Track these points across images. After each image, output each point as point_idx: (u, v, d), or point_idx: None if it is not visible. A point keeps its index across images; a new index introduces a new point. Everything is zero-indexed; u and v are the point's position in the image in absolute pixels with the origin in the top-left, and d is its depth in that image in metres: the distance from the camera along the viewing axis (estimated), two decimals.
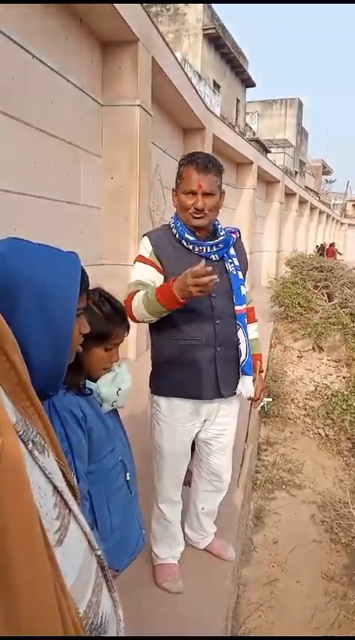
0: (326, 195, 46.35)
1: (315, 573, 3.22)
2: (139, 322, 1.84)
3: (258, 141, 21.06)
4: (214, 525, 2.39)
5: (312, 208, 26.58)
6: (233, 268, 1.95)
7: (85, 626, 0.59)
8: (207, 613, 2.04)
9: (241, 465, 2.26)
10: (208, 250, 1.91)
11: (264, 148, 22.28)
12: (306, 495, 4.27)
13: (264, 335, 7.13)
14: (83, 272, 0.87)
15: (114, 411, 1.46)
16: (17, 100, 3.74)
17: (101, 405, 1.37)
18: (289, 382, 6.75)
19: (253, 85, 22.42)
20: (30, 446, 0.54)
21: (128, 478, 1.45)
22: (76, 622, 0.54)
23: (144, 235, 1.99)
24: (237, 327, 1.95)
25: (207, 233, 1.94)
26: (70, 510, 0.61)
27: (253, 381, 2.03)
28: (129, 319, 1.49)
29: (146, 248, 1.92)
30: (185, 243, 1.90)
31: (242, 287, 1.97)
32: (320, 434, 5.59)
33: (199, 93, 8.44)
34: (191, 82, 7.65)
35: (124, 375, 1.43)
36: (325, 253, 19.52)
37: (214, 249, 1.91)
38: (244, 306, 1.97)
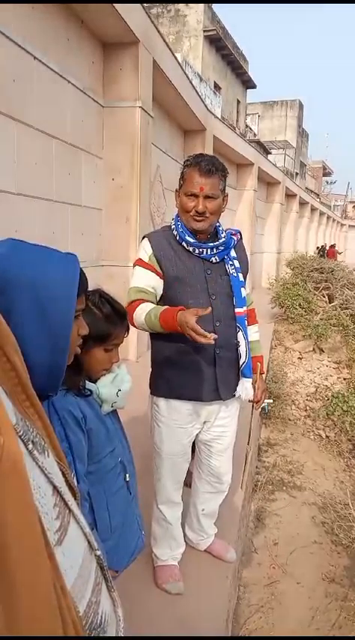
0: (327, 197, 46.35)
1: (316, 575, 3.22)
2: (137, 329, 1.86)
3: (258, 142, 21.08)
4: (215, 527, 2.39)
5: (313, 210, 26.59)
6: (233, 270, 1.95)
7: (84, 626, 0.59)
8: (208, 614, 2.04)
9: (244, 467, 2.25)
10: (209, 252, 1.91)
11: (264, 150, 22.30)
12: (307, 497, 4.26)
13: (264, 336, 7.12)
14: (82, 273, 0.87)
15: (114, 412, 1.46)
16: (18, 102, 3.74)
17: (101, 406, 1.37)
18: (290, 383, 6.74)
19: (254, 86, 22.46)
20: (30, 446, 0.55)
21: (128, 479, 1.45)
22: (76, 621, 0.54)
23: (144, 237, 1.98)
24: (237, 329, 1.94)
25: (207, 235, 1.94)
26: (70, 510, 0.62)
27: (253, 383, 2.03)
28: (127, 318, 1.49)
29: (146, 251, 1.92)
30: (185, 245, 1.90)
31: (242, 289, 1.96)
32: (320, 435, 5.58)
33: (200, 94, 8.45)
34: (191, 84, 7.66)
35: (124, 376, 1.43)
36: (326, 255, 19.52)
37: (215, 251, 1.91)
38: (244, 308, 1.97)
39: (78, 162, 4.92)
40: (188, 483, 2.29)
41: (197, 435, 2.09)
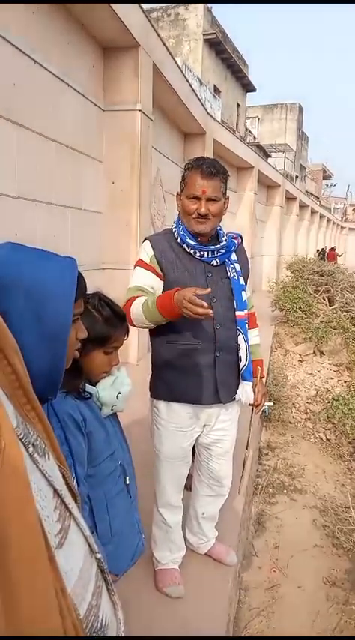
0: (327, 200, 46.41)
1: (317, 578, 3.21)
2: (136, 327, 1.84)
3: (258, 145, 21.12)
4: (215, 530, 2.38)
5: (313, 212, 26.62)
6: (234, 273, 1.95)
7: (84, 629, 0.59)
8: (208, 618, 2.04)
9: (242, 473, 2.24)
10: (209, 255, 1.91)
11: (264, 153, 22.34)
12: (307, 500, 4.25)
13: (264, 339, 7.12)
14: (80, 277, 0.87)
15: (114, 415, 1.46)
16: (18, 105, 3.76)
17: (100, 409, 1.37)
18: (290, 386, 6.74)
19: (254, 89, 22.51)
20: (30, 449, 0.55)
21: (127, 482, 1.45)
22: (76, 624, 0.55)
23: (145, 239, 1.99)
24: (238, 332, 1.94)
25: (209, 238, 1.94)
26: (71, 513, 0.62)
27: (253, 386, 2.02)
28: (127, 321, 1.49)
29: (147, 252, 1.92)
30: (186, 248, 1.90)
31: (243, 292, 1.97)
32: (321, 438, 5.57)
33: (200, 98, 8.47)
34: (191, 87, 7.69)
35: (124, 379, 1.44)
36: (326, 257, 19.54)
37: (216, 254, 1.91)
38: (245, 311, 1.97)
39: (78, 165, 4.93)
40: (188, 486, 2.29)
41: (197, 438, 2.09)
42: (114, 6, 4.44)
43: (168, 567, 2.18)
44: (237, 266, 1.99)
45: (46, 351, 0.76)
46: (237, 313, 1.94)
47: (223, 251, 1.93)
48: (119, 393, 1.39)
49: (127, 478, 1.44)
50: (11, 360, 0.56)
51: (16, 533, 0.45)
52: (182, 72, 7.18)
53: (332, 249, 23.56)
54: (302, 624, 2.78)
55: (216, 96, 16.97)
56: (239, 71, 20.32)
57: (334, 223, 40.11)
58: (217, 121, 10.16)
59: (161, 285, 1.89)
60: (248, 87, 22.26)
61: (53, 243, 4.42)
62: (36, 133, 4.05)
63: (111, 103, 5.40)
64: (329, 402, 5.98)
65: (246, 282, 2.01)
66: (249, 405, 2.07)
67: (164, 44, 6.11)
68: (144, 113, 5.47)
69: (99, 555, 0.69)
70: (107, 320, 1.35)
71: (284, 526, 3.79)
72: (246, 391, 1.99)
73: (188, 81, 7.51)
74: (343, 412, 5.48)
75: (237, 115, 21.47)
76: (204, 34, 17.02)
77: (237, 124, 21.03)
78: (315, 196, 34.77)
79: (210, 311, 1.58)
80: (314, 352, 8.30)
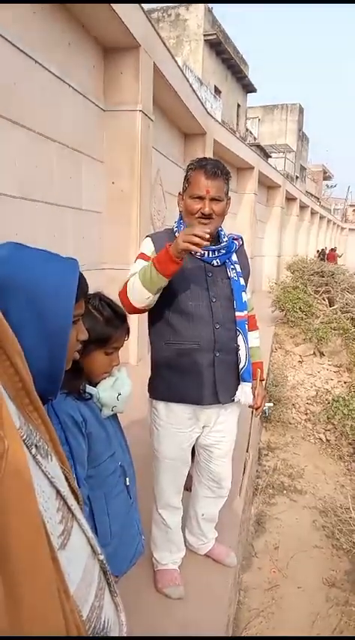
0: (327, 200, 46.43)
1: (317, 579, 3.21)
2: (134, 311, 1.80)
3: (258, 146, 21.13)
4: (215, 531, 2.38)
5: (313, 213, 26.63)
6: (234, 274, 1.95)
7: (87, 630, 0.59)
8: (208, 619, 2.03)
9: (243, 476, 2.24)
10: (210, 255, 1.90)
11: (264, 153, 22.35)
12: (307, 501, 4.25)
13: (264, 340, 7.12)
14: (82, 278, 0.87)
15: (114, 416, 1.46)
16: (19, 105, 3.75)
17: (101, 410, 1.37)
18: (290, 387, 6.74)
19: (254, 90, 22.52)
20: (33, 450, 0.54)
21: (127, 483, 1.45)
22: (79, 625, 0.54)
23: (146, 236, 1.99)
24: (237, 333, 1.94)
25: (210, 238, 1.94)
26: (73, 515, 0.61)
27: (253, 389, 2.02)
28: (129, 320, 1.48)
29: (148, 248, 1.92)
30: None
31: (243, 293, 1.96)
32: (321, 439, 5.57)
33: (200, 98, 8.47)
34: (192, 88, 7.69)
35: (124, 380, 1.43)
36: (326, 258, 19.55)
37: (216, 254, 1.91)
38: (245, 312, 1.96)
39: (78, 165, 4.93)
40: (188, 487, 2.28)
41: (197, 439, 2.09)
42: (115, 6, 4.44)
43: (168, 568, 2.18)
44: (238, 267, 1.99)
45: (46, 351, 0.76)
46: (237, 314, 1.94)
47: (224, 251, 1.93)
48: (119, 394, 1.38)
49: (127, 479, 1.44)
50: (14, 360, 0.55)
51: (20, 533, 0.45)
52: (182, 72, 7.18)
53: (333, 249, 23.56)
54: (302, 625, 2.78)
55: (217, 96, 16.97)
56: (239, 72, 20.33)
57: (334, 224, 40.12)
58: (217, 121, 10.17)
59: None
60: (248, 87, 22.27)
61: (53, 244, 4.42)
62: (36, 133, 4.04)
63: (112, 103, 5.40)
64: (329, 403, 5.98)
65: (246, 284, 2.01)
66: (249, 407, 2.06)
67: (164, 44, 6.11)
68: (144, 113, 5.47)
69: (101, 557, 0.69)
70: (108, 321, 1.35)
71: (284, 527, 3.78)
72: (245, 392, 1.98)
73: (188, 81, 7.51)
74: (343, 413, 5.47)
75: (238, 115, 21.48)
76: (204, 35, 17.02)
77: (237, 125, 21.04)
78: (315, 197, 34.78)
79: (207, 233, 1.60)
80: (314, 353, 8.30)
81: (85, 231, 5.17)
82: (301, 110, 33.00)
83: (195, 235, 1.57)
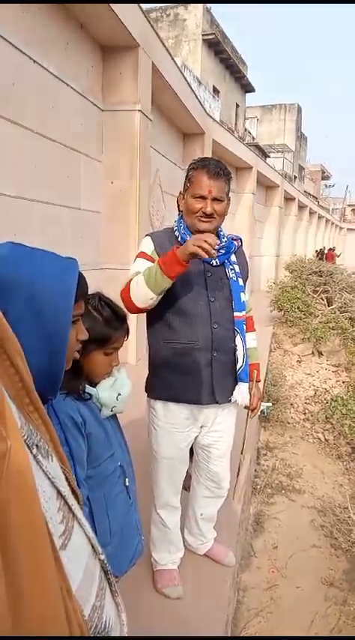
0: (325, 200, 46.45)
1: (315, 578, 3.21)
2: (136, 311, 1.81)
3: (257, 146, 21.13)
4: (214, 531, 2.38)
5: (311, 213, 26.65)
6: (233, 274, 1.96)
7: (89, 630, 0.59)
8: (207, 618, 2.04)
9: (237, 477, 2.23)
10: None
11: (263, 153, 22.35)
12: (306, 500, 4.26)
13: (263, 339, 7.13)
14: (81, 278, 0.87)
15: (114, 417, 1.46)
16: (17, 105, 3.75)
17: (100, 410, 1.37)
18: (288, 387, 6.74)
19: (252, 90, 22.50)
20: (34, 450, 0.54)
21: (127, 483, 1.44)
22: (82, 624, 0.55)
23: (146, 235, 1.99)
24: (235, 333, 1.94)
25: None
26: (74, 515, 0.61)
27: (249, 390, 2.02)
28: (128, 320, 1.48)
29: (148, 247, 1.92)
30: None
31: (242, 294, 1.97)
32: (319, 438, 5.58)
33: (199, 98, 8.47)
34: (191, 88, 7.69)
35: (124, 380, 1.43)
36: (324, 258, 19.56)
37: (216, 254, 1.91)
38: (243, 312, 1.97)
39: (77, 165, 4.93)
40: (186, 487, 2.28)
41: (195, 439, 2.09)
42: (114, 6, 4.44)
43: (167, 568, 2.18)
44: (237, 267, 1.99)
45: (45, 351, 0.75)
46: (235, 314, 1.94)
47: (223, 251, 1.94)
48: (119, 394, 1.38)
49: (127, 479, 1.44)
50: (14, 360, 0.55)
51: (22, 533, 0.45)
52: (181, 72, 7.18)
53: (331, 249, 23.57)
54: (300, 624, 2.79)
55: (215, 96, 16.96)
56: (238, 72, 20.31)
57: (332, 224, 40.15)
58: (216, 121, 10.17)
59: None
60: (247, 87, 22.26)
61: (52, 243, 4.41)
62: (35, 132, 4.04)
63: (111, 102, 5.40)
64: (327, 403, 5.99)
65: (244, 284, 2.02)
66: (245, 407, 2.06)
67: (163, 44, 6.11)
68: (143, 113, 5.47)
69: (102, 557, 0.69)
70: (107, 321, 1.35)
71: (283, 526, 3.79)
72: (241, 392, 1.98)
73: (187, 81, 7.51)
74: (341, 412, 5.48)
75: (236, 115, 21.46)
76: (203, 35, 17.00)
77: (235, 125, 21.02)
78: (314, 197, 34.79)
79: (216, 247, 1.62)
80: (312, 352, 8.31)
81: (84, 231, 5.17)
82: (299, 110, 33.01)
83: (207, 242, 1.59)
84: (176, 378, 1.93)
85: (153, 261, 1.87)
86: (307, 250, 24.00)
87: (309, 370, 7.70)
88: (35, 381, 0.61)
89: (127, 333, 1.44)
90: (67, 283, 0.80)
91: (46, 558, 0.48)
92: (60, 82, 4.42)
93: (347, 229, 47.04)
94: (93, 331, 1.12)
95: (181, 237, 1.90)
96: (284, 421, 5.87)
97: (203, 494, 2.23)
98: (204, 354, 1.90)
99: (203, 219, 1.85)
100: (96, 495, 1.35)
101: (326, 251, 22.72)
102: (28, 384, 0.58)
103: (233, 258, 1.99)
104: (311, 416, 6.00)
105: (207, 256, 1.62)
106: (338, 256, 23.46)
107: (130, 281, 1.80)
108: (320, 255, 21.06)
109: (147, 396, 2.05)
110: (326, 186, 51.27)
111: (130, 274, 1.86)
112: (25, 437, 0.52)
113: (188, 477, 2.23)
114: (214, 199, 1.83)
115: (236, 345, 1.94)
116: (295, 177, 31.10)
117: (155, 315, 1.93)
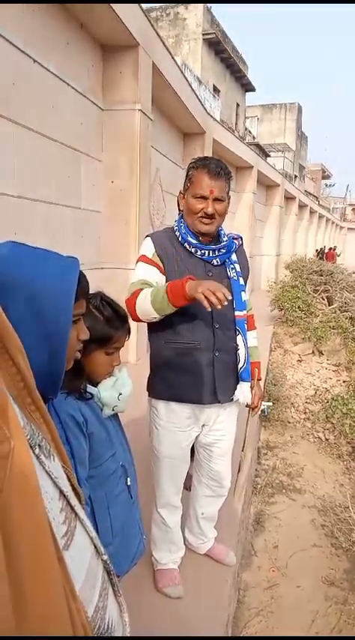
0: (326, 200, 46.43)
1: (316, 578, 3.21)
2: (139, 321, 1.82)
3: (257, 145, 21.11)
4: (214, 530, 2.38)
5: (312, 212, 26.64)
6: (234, 274, 1.96)
7: (92, 630, 0.59)
8: (208, 618, 2.04)
9: (237, 475, 2.23)
10: (210, 254, 1.91)
11: (263, 152, 22.33)
12: (306, 499, 4.26)
13: (263, 339, 7.13)
14: (82, 277, 0.86)
15: (115, 416, 1.46)
16: (18, 104, 3.75)
17: (102, 410, 1.37)
18: (289, 386, 6.74)
19: (253, 89, 22.48)
20: (36, 450, 0.54)
21: (129, 483, 1.44)
22: (86, 624, 0.55)
23: (146, 236, 1.98)
24: (237, 332, 1.94)
25: (210, 237, 1.94)
26: (76, 515, 0.61)
27: (250, 388, 2.02)
28: (130, 320, 1.48)
29: (148, 249, 1.91)
30: (187, 247, 1.90)
31: (242, 293, 1.97)
32: (320, 438, 5.58)
33: (199, 97, 8.47)
34: (191, 87, 7.68)
35: (125, 380, 1.43)
36: (325, 257, 19.55)
37: (216, 253, 1.91)
38: (244, 312, 1.97)
39: (77, 164, 4.93)
40: (188, 486, 2.28)
41: (196, 438, 2.09)
42: (114, 5, 4.44)
43: (167, 567, 2.18)
44: (237, 267, 1.99)
45: (46, 350, 0.75)
46: (236, 313, 1.94)
47: (224, 251, 1.93)
48: (120, 394, 1.38)
49: (128, 479, 1.44)
50: (16, 360, 0.55)
51: (26, 533, 0.45)
52: (181, 71, 7.17)
53: (332, 249, 23.56)
54: (301, 624, 2.79)
55: (216, 95, 16.95)
56: (238, 71, 20.29)
57: (333, 223, 40.14)
58: (216, 120, 10.16)
59: (164, 280, 1.88)
60: (247, 87, 22.24)
61: (52, 243, 4.41)
62: (35, 131, 4.04)
63: (111, 102, 5.40)
64: (328, 402, 5.98)
65: (245, 283, 2.01)
66: (246, 406, 2.07)
67: (163, 44, 6.10)
68: (143, 112, 5.47)
69: (105, 557, 0.69)
70: (108, 320, 1.35)
71: (284, 526, 3.79)
72: (243, 392, 1.98)
73: (187, 80, 7.51)
74: (342, 412, 5.48)
75: (237, 114, 21.44)
76: (203, 34, 16.98)
77: (236, 124, 21.01)
78: (314, 196, 34.77)
79: (226, 302, 1.58)
80: (313, 352, 8.31)
81: (84, 230, 5.17)
82: (300, 109, 32.97)
83: (216, 295, 1.56)
84: (178, 378, 1.93)
85: (154, 265, 1.87)
86: (307, 250, 23.99)
87: (310, 370, 7.70)
88: (36, 381, 0.61)
89: (129, 332, 1.44)
90: (68, 283, 0.80)
91: (49, 558, 0.48)
92: (60, 82, 4.42)
93: (348, 229, 47.01)
94: (94, 331, 1.12)
95: (182, 237, 1.90)
96: (285, 420, 5.87)
97: (204, 494, 2.23)
98: (205, 354, 1.90)
99: (204, 220, 1.85)
100: (98, 495, 1.35)
101: (326, 250, 22.72)
102: (29, 383, 0.58)
103: (233, 257, 1.99)
104: (312, 415, 6.00)
105: (209, 307, 1.59)
106: (339, 256, 23.46)
107: (136, 291, 1.80)
108: (321, 254, 21.06)
109: (149, 396, 2.05)
110: (326, 185, 51.24)
111: (133, 281, 1.87)
112: (28, 437, 0.52)
113: (189, 476, 2.23)
114: (215, 199, 1.83)
115: (237, 345, 1.95)
116: (295, 176, 31.08)
117: None
